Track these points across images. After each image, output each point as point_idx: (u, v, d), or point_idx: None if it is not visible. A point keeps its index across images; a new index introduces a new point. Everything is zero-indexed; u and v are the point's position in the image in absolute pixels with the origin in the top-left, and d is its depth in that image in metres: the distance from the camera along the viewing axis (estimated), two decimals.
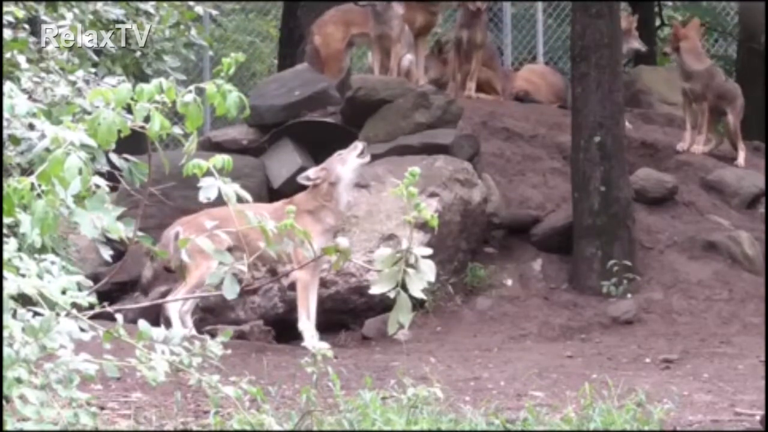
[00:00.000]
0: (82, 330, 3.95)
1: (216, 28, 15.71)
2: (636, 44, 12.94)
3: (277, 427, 4.48)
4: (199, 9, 8.15)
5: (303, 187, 8.81)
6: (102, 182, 4.05)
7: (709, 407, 6.44)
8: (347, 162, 8.62)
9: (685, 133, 11.76)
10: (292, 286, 9.01)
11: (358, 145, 8.75)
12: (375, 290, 4.12)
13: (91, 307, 4.09)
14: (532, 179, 11.06)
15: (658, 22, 16.83)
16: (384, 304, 7.59)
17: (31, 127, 4.92)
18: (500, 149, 11.25)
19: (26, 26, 6.57)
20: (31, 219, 3.80)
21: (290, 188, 9.98)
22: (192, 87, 4.13)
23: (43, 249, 4.10)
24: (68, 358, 3.89)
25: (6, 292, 3.82)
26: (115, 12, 7.40)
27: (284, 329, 8.97)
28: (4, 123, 4.94)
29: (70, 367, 3.90)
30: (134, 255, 8.70)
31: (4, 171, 5.11)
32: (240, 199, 4.07)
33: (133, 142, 4.33)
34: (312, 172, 8.74)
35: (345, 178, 8.63)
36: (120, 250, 4.88)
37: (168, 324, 8.05)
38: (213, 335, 5.48)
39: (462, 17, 12.52)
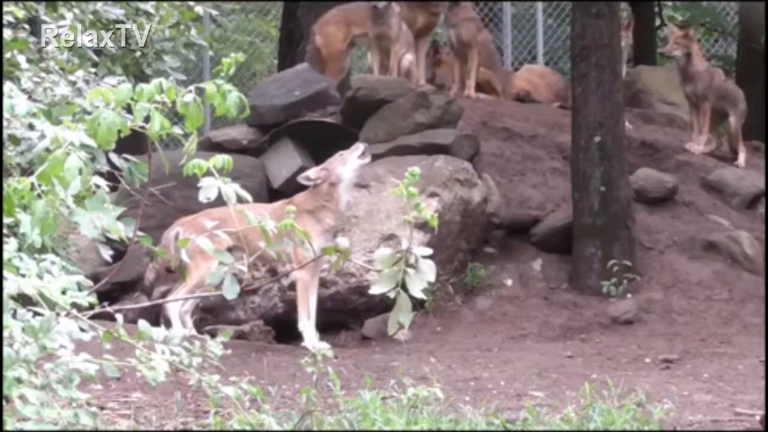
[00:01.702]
0: (82, 330, 3.95)
1: (216, 28, 15.72)
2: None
3: (277, 427, 4.48)
4: (199, 9, 8.16)
5: (303, 187, 8.81)
6: (102, 182, 4.05)
7: (709, 407, 6.44)
8: (348, 162, 8.61)
9: (693, 134, 11.76)
10: (292, 286, 9.01)
11: (360, 146, 8.74)
12: (375, 290, 4.12)
13: (91, 307, 4.09)
14: (532, 179, 11.06)
15: (658, 22, 16.82)
16: (384, 304, 7.59)
17: (31, 127, 4.92)
18: (500, 149, 11.25)
19: (26, 26, 6.57)
20: (31, 219, 3.80)
21: (290, 188, 9.97)
22: (192, 87, 4.14)
23: (43, 249, 4.11)
24: (68, 358, 3.89)
25: (6, 292, 3.82)
26: (115, 12, 7.40)
27: (284, 329, 8.96)
28: (4, 123, 4.94)
29: (70, 367, 3.90)
30: (134, 255, 8.70)
31: (4, 171, 5.11)
32: (240, 199, 4.07)
33: (133, 142, 4.33)
34: (312, 172, 8.73)
35: (345, 179, 8.62)
36: (120, 250, 4.88)
37: (168, 324, 8.06)
38: (213, 335, 5.48)
39: (448, 17, 12.53)
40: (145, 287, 8.90)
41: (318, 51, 12.16)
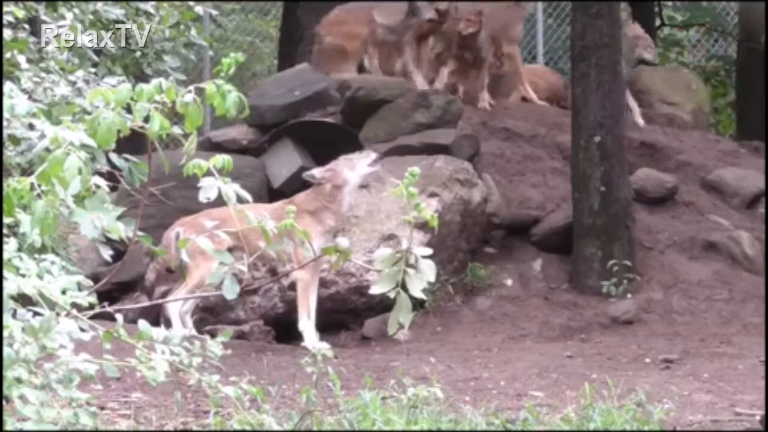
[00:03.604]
0: (82, 330, 3.95)
1: (216, 28, 15.71)
2: (646, 55, 12.69)
3: (277, 427, 4.48)
4: (199, 9, 8.15)
5: (303, 187, 8.80)
6: (102, 182, 4.05)
7: (709, 407, 6.44)
8: (357, 168, 8.57)
9: None
10: (292, 286, 9.01)
11: (372, 154, 8.71)
12: (375, 290, 4.12)
13: (91, 307, 4.09)
14: (532, 179, 11.06)
15: (658, 22, 16.81)
16: (384, 304, 7.58)
17: (31, 127, 4.92)
18: (500, 149, 11.25)
19: (26, 26, 6.57)
20: (31, 219, 3.80)
21: (290, 188, 9.98)
22: (192, 87, 4.13)
23: (43, 249, 4.10)
24: (68, 358, 3.89)
25: (6, 292, 3.82)
26: (115, 12, 7.40)
27: (284, 329, 8.97)
28: (4, 123, 4.94)
29: (70, 367, 3.90)
30: (134, 255, 8.70)
31: (4, 171, 5.11)
32: (240, 199, 4.07)
33: (133, 142, 4.33)
34: (318, 171, 8.70)
35: (352, 183, 8.60)
36: (120, 250, 4.88)
37: (168, 324, 8.05)
38: (213, 335, 5.48)
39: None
40: (146, 287, 8.90)
41: (339, 47, 12.00)
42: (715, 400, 6.65)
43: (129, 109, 4.03)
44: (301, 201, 8.51)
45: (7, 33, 6.28)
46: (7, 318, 3.81)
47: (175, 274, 8.77)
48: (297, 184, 10.06)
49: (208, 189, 4.03)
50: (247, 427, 4.43)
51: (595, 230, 9.97)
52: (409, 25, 11.61)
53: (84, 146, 3.84)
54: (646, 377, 7.37)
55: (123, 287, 9.62)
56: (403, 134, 10.53)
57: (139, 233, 4.25)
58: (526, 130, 11.63)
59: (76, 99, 5.81)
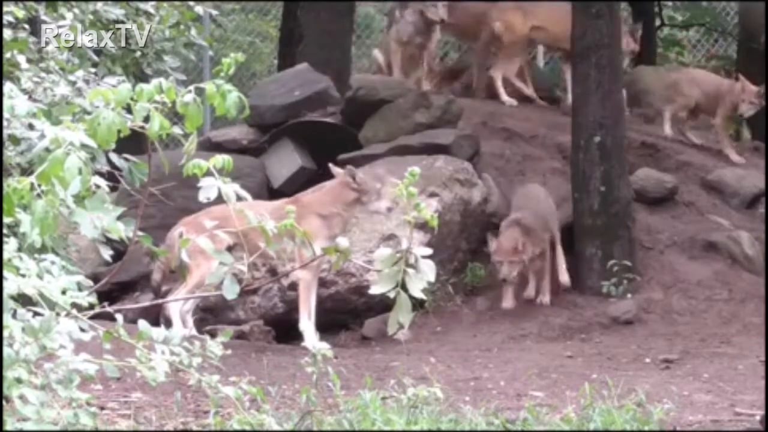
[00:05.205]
0: (82, 330, 3.95)
1: (216, 28, 15.70)
2: (742, 107, 11.93)
3: (277, 427, 4.48)
4: (199, 9, 8.14)
5: (303, 187, 8.79)
6: (102, 182, 4.05)
7: (709, 407, 6.44)
8: (382, 198, 8.54)
9: None
10: (292, 286, 9.01)
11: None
12: (375, 290, 4.12)
13: (91, 307, 4.09)
14: (532, 179, 11.05)
15: (658, 22, 16.81)
16: (384, 304, 7.58)
17: (31, 127, 4.92)
18: (500, 149, 11.24)
19: (26, 26, 6.57)
20: (31, 219, 3.80)
21: (290, 188, 9.98)
22: (192, 87, 4.13)
23: (43, 249, 4.10)
24: (68, 358, 3.89)
25: (6, 292, 3.82)
26: (115, 12, 7.39)
27: (284, 329, 8.96)
28: (4, 123, 4.94)
29: (70, 367, 3.90)
30: (134, 255, 8.70)
31: (4, 171, 5.11)
32: (240, 199, 4.07)
33: (133, 142, 4.33)
34: (359, 176, 8.64)
35: (369, 206, 8.60)
36: (120, 250, 4.88)
37: (168, 324, 8.05)
38: (213, 335, 5.48)
39: None
40: (153, 287, 8.90)
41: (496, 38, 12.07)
42: (715, 400, 6.65)
43: (129, 109, 4.03)
44: (311, 201, 8.49)
45: (7, 33, 6.27)
46: (7, 318, 3.81)
47: (178, 273, 8.77)
48: (297, 184, 10.07)
49: (208, 189, 4.03)
50: (247, 427, 4.43)
51: (595, 230, 9.97)
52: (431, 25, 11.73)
53: (84, 146, 3.84)
54: (646, 377, 7.37)
55: (123, 287, 9.61)
56: (403, 134, 10.52)
57: (139, 233, 4.25)
58: (526, 130, 11.62)
59: (76, 99, 5.81)
